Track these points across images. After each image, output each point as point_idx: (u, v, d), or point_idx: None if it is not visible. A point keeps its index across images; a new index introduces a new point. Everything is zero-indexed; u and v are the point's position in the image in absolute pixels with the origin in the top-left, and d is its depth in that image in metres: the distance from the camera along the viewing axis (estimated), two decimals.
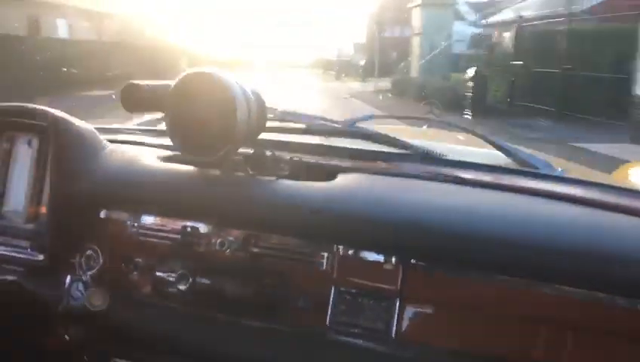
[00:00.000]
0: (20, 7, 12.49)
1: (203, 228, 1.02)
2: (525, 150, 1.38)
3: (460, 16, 20.44)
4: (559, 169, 1.27)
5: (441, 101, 8.09)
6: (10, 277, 1.06)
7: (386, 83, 17.18)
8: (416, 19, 15.76)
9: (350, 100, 13.94)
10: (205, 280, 1.00)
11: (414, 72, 15.98)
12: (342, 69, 27.45)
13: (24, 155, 1.15)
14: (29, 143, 1.15)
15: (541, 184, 1.09)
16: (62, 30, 15.29)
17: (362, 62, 24.53)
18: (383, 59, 19.82)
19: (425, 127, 1.77)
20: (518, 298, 0.88)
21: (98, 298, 1.02)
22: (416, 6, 15.74)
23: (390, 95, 15.31)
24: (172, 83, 1.02)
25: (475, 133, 1.43)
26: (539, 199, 1.02)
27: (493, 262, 0.88)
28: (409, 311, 0.92)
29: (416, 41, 15.99)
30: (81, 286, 1.06)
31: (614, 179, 1.59)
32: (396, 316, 0.91)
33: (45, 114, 1.10)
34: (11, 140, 1.16)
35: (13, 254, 1.09)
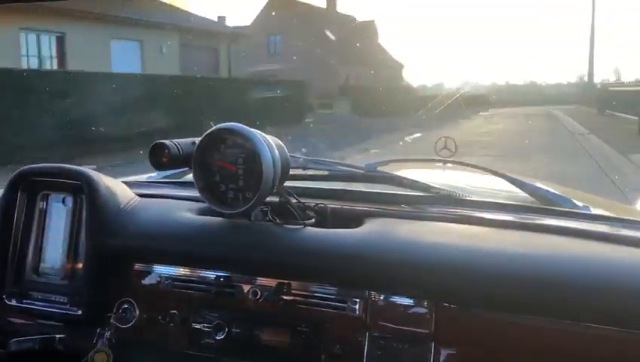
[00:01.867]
0: None
1: (235, 278, 1.04)
2: (545, 186, 1.39)
3: None
4: (580, 204, 1.28)
5: None
6: (50, 333, 1.09)
7: None
8: None
9: None
10: (241, 330, 1.02)
11: None
12: None
13: (59, 213, 1.19)
14: (64, 201, 1.19)
15: (566, 222, 1.10)
16: None
17: None
18: None
19: (442, 164, 1.79)
20: (552, 337, 0.88)
21: (101, 359, 1.03)
22: None
23: None
24: (197, 139, 1.07)
25: (494, 172, 1.44)
26: (566, 238, 1.03)
27: (525, 303, 0.88)
28: (444, 353, 0.92)
29: None
30: (104, 343, 1.07)
31: (636, 210, 1.59)
32: (432, 359, 0.92)
33: (78, 173, 1.15)
34: (46, 199, 1.20)
35: (53, 310, 1.12)
